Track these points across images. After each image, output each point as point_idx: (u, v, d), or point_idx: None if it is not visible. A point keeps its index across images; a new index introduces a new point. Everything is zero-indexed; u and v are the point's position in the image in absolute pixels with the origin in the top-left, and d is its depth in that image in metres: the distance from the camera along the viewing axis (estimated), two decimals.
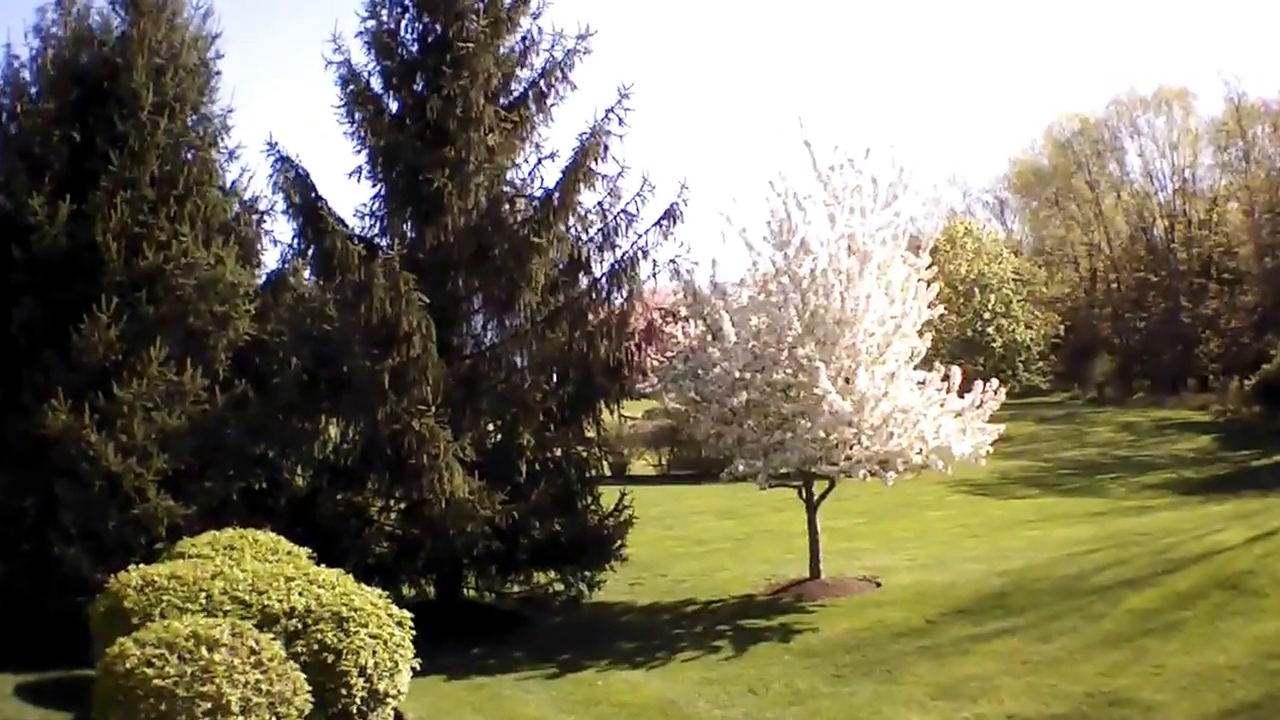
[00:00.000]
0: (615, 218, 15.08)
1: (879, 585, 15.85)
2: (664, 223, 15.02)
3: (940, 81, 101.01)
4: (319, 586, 9.31)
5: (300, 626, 8.90)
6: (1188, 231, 56.75)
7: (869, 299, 14.57)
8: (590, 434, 15.22)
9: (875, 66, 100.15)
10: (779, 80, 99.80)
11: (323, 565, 10.75)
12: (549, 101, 15.57)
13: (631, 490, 16.32)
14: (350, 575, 10.35)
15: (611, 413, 15.41)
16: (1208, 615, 12.77)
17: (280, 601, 9.06)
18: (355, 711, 8.73)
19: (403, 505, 14.28)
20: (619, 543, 15.19)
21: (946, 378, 15.22)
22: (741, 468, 14.76)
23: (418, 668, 9.65)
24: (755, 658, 12.69)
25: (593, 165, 14.94)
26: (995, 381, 15.50)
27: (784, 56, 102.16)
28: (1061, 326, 53.94)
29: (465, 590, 15.29)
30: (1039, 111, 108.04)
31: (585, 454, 15.12)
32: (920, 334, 15.56)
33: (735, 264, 15.79)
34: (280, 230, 15.16)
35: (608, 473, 15.47)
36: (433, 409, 13.09)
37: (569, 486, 14.74)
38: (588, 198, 15.12)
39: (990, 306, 48.16)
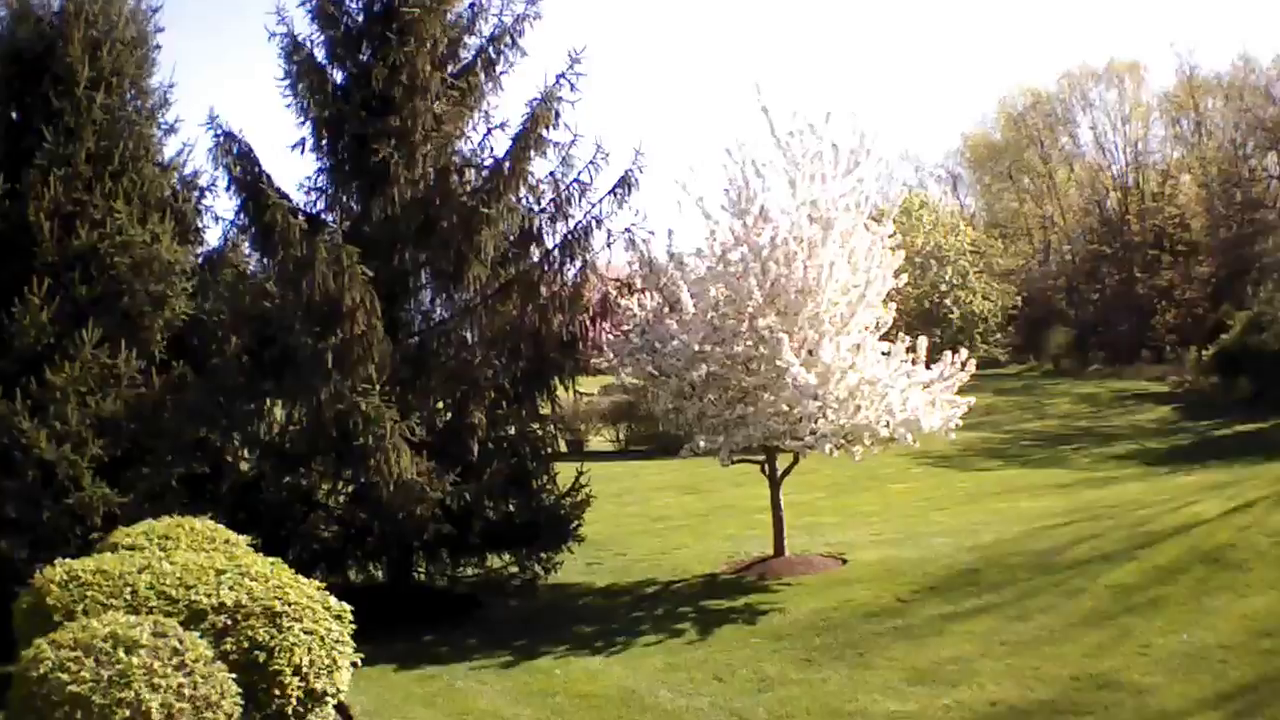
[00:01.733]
0: (568, 187, 14.40)
1: (844, 562, 15.40)
2: (619, 191, 14.35)
3: (892, 56, 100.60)
4: (251, 579, 8.55)
5: (230, 623, 8.16)
6: (1141, 204, 56.82)
7: (832, 267, 14.00)
8: (545, 411, 14.55)
9: (826, 42, 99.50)
10: (733, 54, 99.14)
11: (263, 554, 10.03)
12: (499, 69, 14.86)
13: (589, 467, 15.71)
14: (288, 563, 9.59)
15: (566, 389, 14.74)
16: (1191, 591, 12.37)
17: (209, 596, 8.32)
18: (290, 713, 8.02)
19: (350, 489, 13.56)
20: (576, 523, 14.57)
21: (912, 349, 14.73)
22: (702, 443, 14.18)
23: (359, 663, 8.95)
24: (720, 641, 12.14)
25: (544, 133, 14.25)
26: (964, 352, 15.02)
27: (737, 30, 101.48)
28: (1019, 298, 53.84)
29: (417, 574, 14.63)
30: (991, 86, 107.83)
31: (540, 432, 14.46)
32: (885, 303, 15.03)
33: (693, 234, 15.25)
34: (222, 207, 14.49)
35: (564, 450, 14.75)
36: (377, 387, 12.37)
37: (523, 466, 14.08)
38: (539, 167, 14.48)
39: (947, 279, 47.86)
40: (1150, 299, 53.67)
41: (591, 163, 14.39)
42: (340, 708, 10.11)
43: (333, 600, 8.73)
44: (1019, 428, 36.14)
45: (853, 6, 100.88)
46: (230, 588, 8.40)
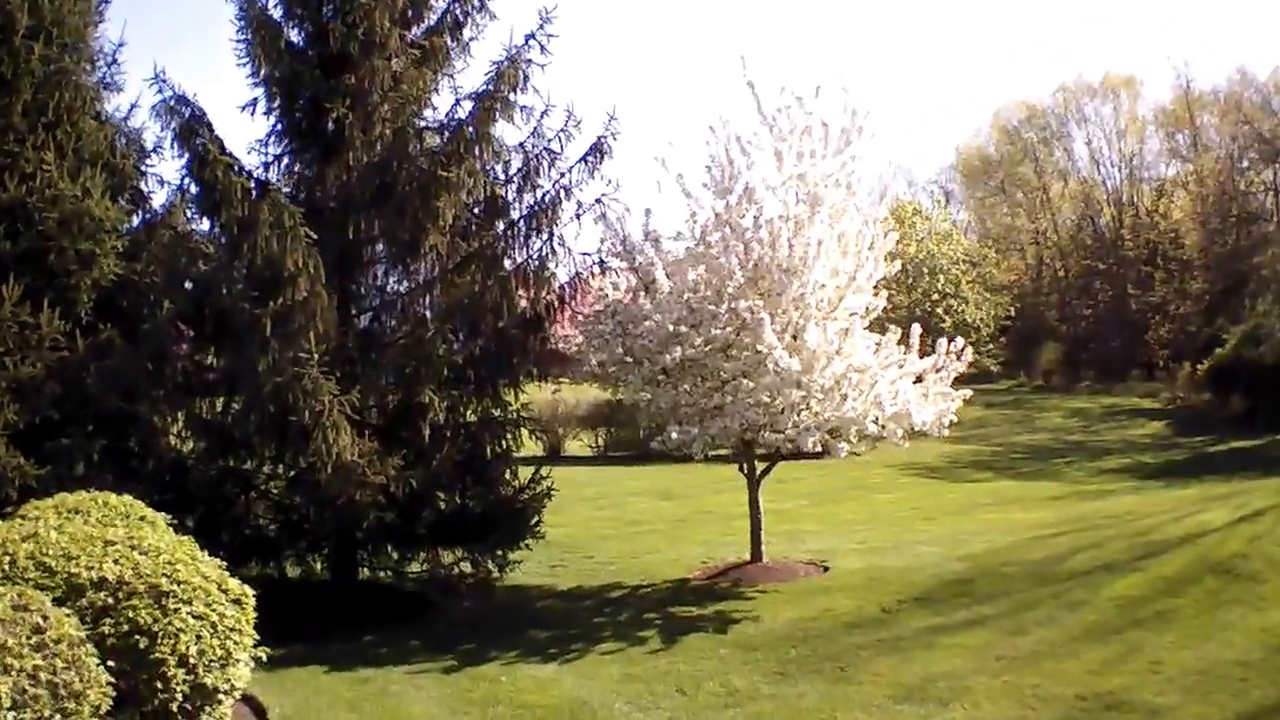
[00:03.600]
0: (536, 156, 13.28)
1: (826, 570, 14.30)
2: (590, 159, 13.25)
3: (885, 69, 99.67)
4: (142, 553, 7.38)
5: (111, 601, 6.98)
6: (1135, 218, 56.02)
7: (820, 245, 12.92)
8: (506, 396, 13.37)
9: (820, 55, 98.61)
10: (718, 56, 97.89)
11: (193, 541, 8.85)
12: (466, 34, 13.75)
13: (563, 471, 14.72)
14: (220, 552, 8.44)
15: (529, 374, 13.58)
16: (1202, 604, 11.31)
17: (91, 569, 7.15)
18: (176, 710, 6.84)
19: (290, 473, 12.37)
20: (535, 519, 13.38)
21: (905, 339, 13.68)
22: (675, 435, 13.03)
23: (264, 658, 7.77)
24: (686, 651, 10.99)
25: (510, 96, 13.12)
26: (960, 340, 13.97)
27: (723, 33, 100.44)
28: (1012, 308, 52.91)
29: (361, 570, 13.49)
30: (986, 100, 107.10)
31: (500, 417, 13.28)
32: (875, 291, 13.97)
33: (672, 219, 14.11)
34: (170, 172, 13.36)
35: (541, 453, 13.63)
36: (316, 356, 11.18)
37: (479, 454, 12.91)
38: (507, 135, 13.37)
39: (939, 287, 46.80)
40: (1142, 316, 52.88)
41: (562, 130, 13.30)
42: (256, 709, 9.00)
43: (232, 581, 7.56)
44: (1009, 440, 35.21)
45: (846, 19, 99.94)
46: (116, 561, 7.22)
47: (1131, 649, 10.21)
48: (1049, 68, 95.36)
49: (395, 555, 13.34)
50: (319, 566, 13.24)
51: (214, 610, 7.16)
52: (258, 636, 7.60)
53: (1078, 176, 60.20)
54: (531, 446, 14.26)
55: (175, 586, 7.10)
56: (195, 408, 12.77)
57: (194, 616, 7.04)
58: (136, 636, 6.83)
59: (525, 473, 13.86)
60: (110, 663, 6.51)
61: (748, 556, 14.71)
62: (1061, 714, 8.77)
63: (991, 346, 51.29)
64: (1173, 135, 55.81)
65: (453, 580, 13.44)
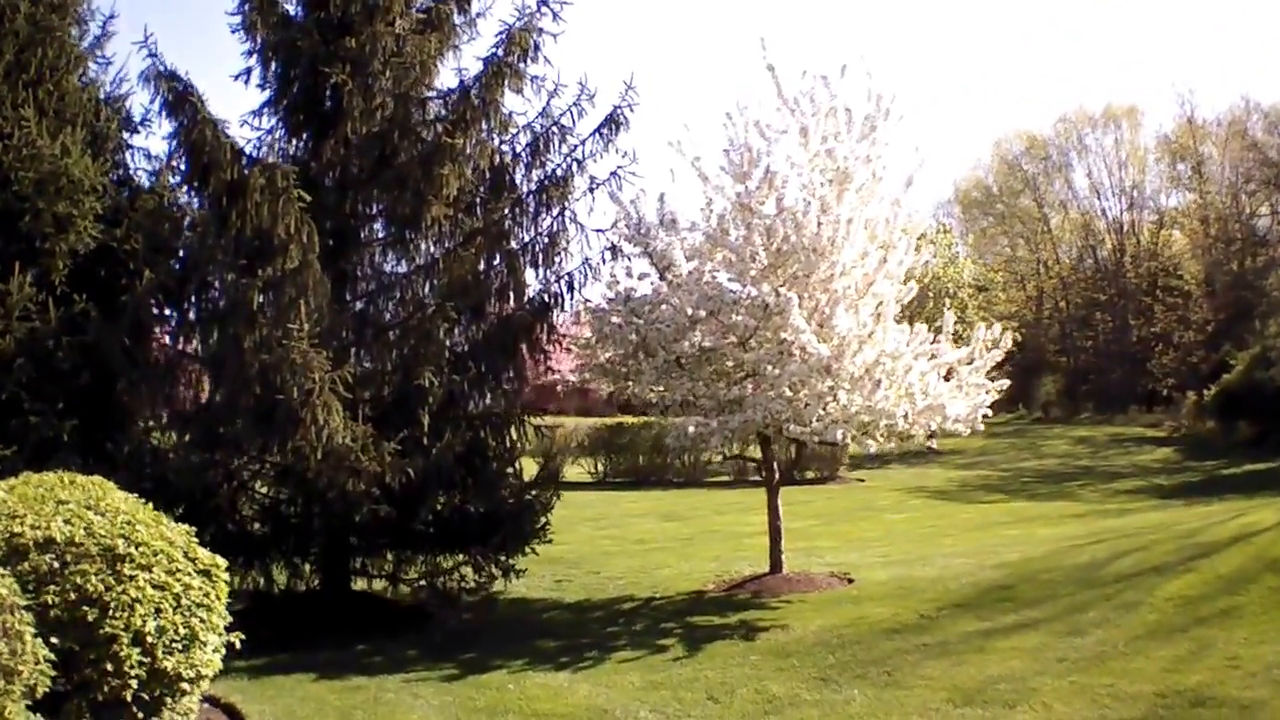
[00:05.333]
0: (547, 130, 12.37)
1: (851, 581, 13.34)
2: (605, 131, 12.31)
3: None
4: (98, 513, 6.36)
5: (58, 565, 5.97)
6: (1136, 249, 55.43)
7: (849, 225, 12.03)
8: (510, 386, 12.38)
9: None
10: (721, 75, 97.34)
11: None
12: (473, 5, 12.84)
13: (565, 494, 13.59)
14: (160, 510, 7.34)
15: (536, 360, 12.60)
16: (1267, 600, 10.34)
17: (37, 529, 6.14)
18: (130, 700, 5.78)
19: (278, 462, 11.26)
20: (542, 519, 12.34)
21: (938, 330, 12.81)
22: (692, 429, 12.05)
23: (238, 644, 6.74)
24: (712, 659, 9.99)
25: (521, 64, 12.21)
26: (998, 327, 13.08)
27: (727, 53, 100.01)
28: (1018, 333, 52.08)
29: (355, 580, 12.44)
30: (983, 135, 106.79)
31: (503, 410, 12.28)
32: (905, 279, 13.09)
33: (686, 208, 13.09)
34: (156, 147, 12.45)
35: (531, 435, 12.54)
36: (306, 327, 10.19)
37: (481, 445, 11.88)
38: (517, 108, 12.45)
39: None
40: (1144, 346, 52.15)
41: (575, 105, 12.36)
42: (233, 715, 7.95)
43: (201, 550, 6.53)
44: (1016, 466, 34.33)
45: (841, 51, 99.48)
46: (67, 521, 6.18)
47: (1203, 646, 9.29)
48: (1049, 99, 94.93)
49: (390, 558, 12.27)
50: (308, 570, 12.16)
51: (177, 580, 6.12)
52: (230, 618, 6.56)
53: (1078, 207, 59.65)
54: (530, 467, 13.27)
55: (132, 549, 6.07)
56: (178, 400, 11.78)
57: (154, 586, 6.00)
58: (84, 607, 5.80)
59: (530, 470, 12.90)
60: (54, 639, 5.48)
61: (765, 569, 13.74)
62: (1143, 712, 7.82)
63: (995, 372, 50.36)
64: (1175, 164, 55.17)
65: (452, 590, 12.37)
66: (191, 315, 11.58)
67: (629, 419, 33.82)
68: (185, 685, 6.10)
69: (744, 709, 8.43)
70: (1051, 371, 56.25)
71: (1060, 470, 32.64)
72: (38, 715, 5.32)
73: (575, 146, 12.28)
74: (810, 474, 29.67)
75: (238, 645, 6.76)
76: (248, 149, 11.96)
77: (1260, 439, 32.96)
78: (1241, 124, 51.24)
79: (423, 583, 12.28)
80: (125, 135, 12.44)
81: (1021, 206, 60.40)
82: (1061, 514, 21.42)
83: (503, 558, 12.10)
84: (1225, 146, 52.63)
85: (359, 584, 12.62)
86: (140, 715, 5.95)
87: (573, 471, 31.70)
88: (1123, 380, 52.13)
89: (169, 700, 6.01)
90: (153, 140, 12.31)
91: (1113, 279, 55.68)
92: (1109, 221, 57.55)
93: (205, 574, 6.39)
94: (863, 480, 30.59)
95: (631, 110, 12.31)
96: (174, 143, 11.58)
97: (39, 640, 5.34)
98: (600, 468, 31.68)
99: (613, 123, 12.28)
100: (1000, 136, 65.79)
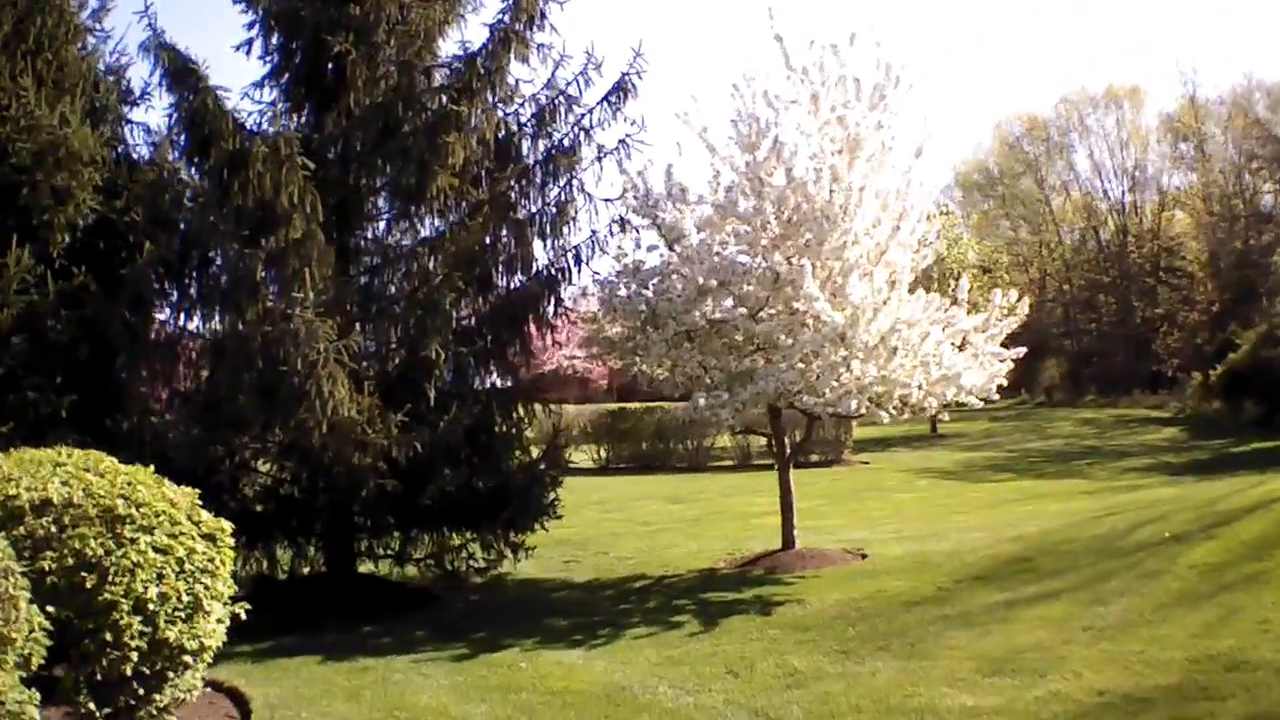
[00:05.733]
0: (553, 100, 12.12)
1: (864, 556, 13.11)
2: (613, 98, 12.08)
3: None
4: (97, 475, 6.08)
5: (55, 529, 5.69)
6: (1139, 230, 55.12)
7: (861, 192, 11.77)
8: (518, 360, 12.13)
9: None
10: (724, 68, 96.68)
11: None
12: None
13: (568, 480, 13.39)
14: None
15: (543, 333, 12.34)
16: None
17: (32, 491, 5.84)
18: (130, 673, 5.51)
19: (281, 441, 11.00)
20: (552, 495, 12.10)
21: (953, 294, 12.59)
22: (703, 402, 11.79)
23: (243, 615, 6.47)
24: (729, 634, 9.76)
25: (527, 32, 11.95)
26: (1014, 293, 12.84)
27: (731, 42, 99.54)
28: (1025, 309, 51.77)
29: (360, 562, 12.20)
30: (983, 119, 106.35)
31: (511, 386, 12.03)
32: (917, 249, 12.84)
33: (694, 182, 12.81)
34: (156, 123, 12.19)
35: (538, 412, 12.30)
36: (311, 296, 9.91)
37: (488, 419, 11.63)
38: (521, 73, 12.20)
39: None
40: (1148, 328, 51.87)
41: (581, 74, 12.14)
42: (237, 700, 7.69)
43: (205, 513, 6.25)
44: (1022, 447, 34.05)
45: (845, 27, 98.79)
46: (64, 483, 5.90)
47: (1231, 612, 9.04)
48: (1050, 81, 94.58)
49: (397, 536, 12.02)
50: (312, 551, 11.92)
51: (181, 543, 5.84)
52: (235, 588, 6.29)
53: (1080, 188, 59.31)
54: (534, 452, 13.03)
55: (133, 510, 5.80)
56: (178, 377, 11.53)
57: (155, 550, 5.73)
58: (83, 573, 5.51)
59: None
60: (50, 608, 5.21)
61: (775, 547, 13.52)
62: (1178, 677, 7.58)
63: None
64: (1177, 144, 54.82)
65: (460, 570, 12.13)
66: (193, 291, 11.32)
67: (632, 405, 33.65)
68: (188, 658, 5.82)
69: (765, 682, 8.19)
70: (1055, 355, 55.96)
71: (1067, 450, 32.38)
72: (32, 691, 5.05)
73: (583, 115, 12.08)
74: (815, 457, 29.39)
75: (243, 616, 6.48)
76: (248, 123, 11.72)
77: (1268, 418, 32.65)
78: (1245, 102, 50.92)
79: (430, 561, 12.04)
80: (125, 109, 12.17)
81: (1022, 188, 60.13)
82: (1071, 491, 21.16)
83: (511, 534, 11.88)
84: (1228, 125, 52.28)
85: (365, 567, 12.39)
86: (141, 692, 5.68)
87: (575, 458, 31.48)
88: (1127, 362, 51.89)
89: (171, 674, 5.74)
90: (152, 115, 12.08)
91: (1116, 260, 55.43)
92: (1111, 203, 57.24)
93: (210, 539, 6.13)
94: (867, 463, 30.32)
95: (640, 78, 12.11)
96: (174, 115, 11.37)
97: (34, 607, 5.07)
98: (603, 454, 31.44)
99: (621, 90, 12.05)
100: (1000, 118, 65.54)
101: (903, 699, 7.53)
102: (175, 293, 11.33)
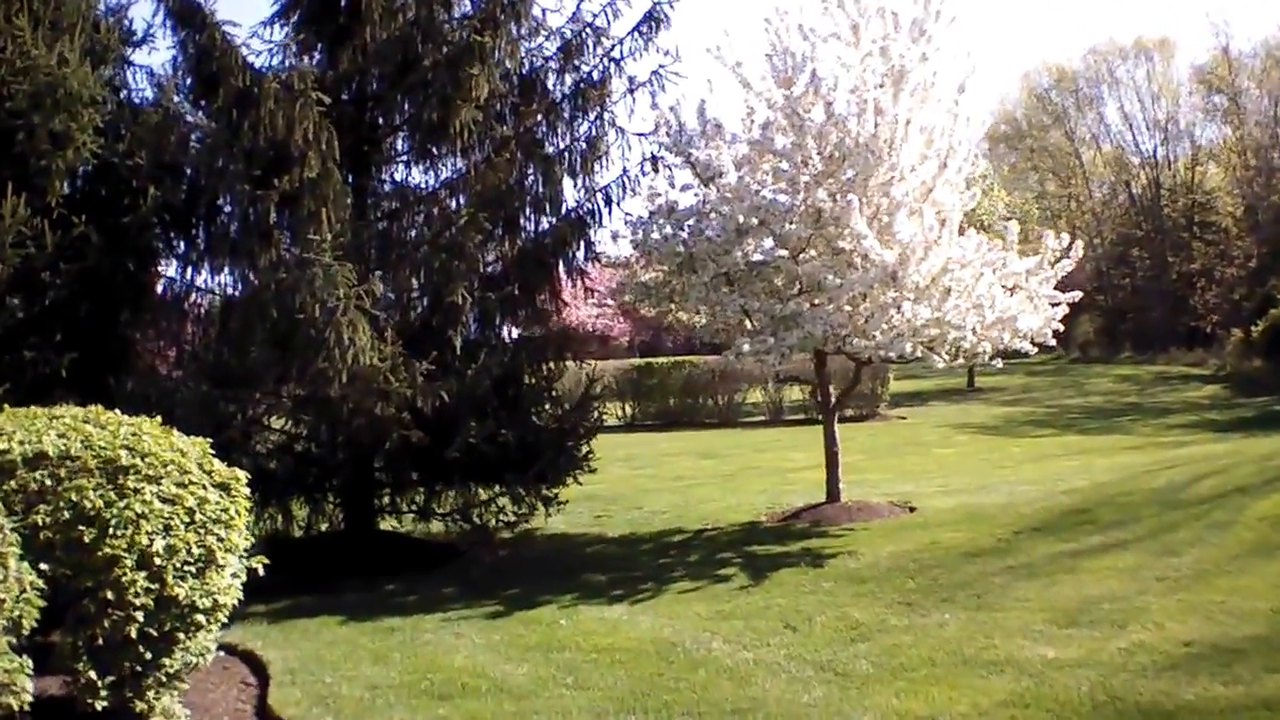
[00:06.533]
0: (580, 32, 11.49)
1: (913, 510, 12.54)
2: (644, 29, 11.42)
3: None
4: (98, 426, 5.54)
5: (50, 483, 5.13)
6: (1173, 183, 53.98)
7: (908, 125, 11.12)
8: (547, 308, 11.57)
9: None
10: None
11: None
12: None
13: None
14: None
15: (572, 279, 11.76)
16: None
17: (26, 444, 5.30)
18: (137, 637, 4.96)
19: (297, 394, 10.44)
20: (586, 447, 11.55)
21: (1001, 235, 11.98)
22: (747, 348, 11.19)
23: (260, 570, 5.91)
24: (781, 587, 9.21)
25: None
26: (1066, 237, 12.21)
27: None
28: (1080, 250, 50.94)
29: (382, 519, 11.68)
30: (1009, 73, 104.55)
31: (540, 335, 11.47)
32: (967, 187, 12.21)
33: (728, 120, 12.17)
34: (159, 65, 11.64)
35: (569, 364, 11.77)
36: (328, 238, 9.33)
37: (517, 368, 11.07)
38: (547, 2, 11.59)
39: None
40: (1184, 283, 50.85)
41: (609, 4, 11.50)
42: (254, 665, 7.18)
43: (218, 463, 5.68)
44: (1061, 403, 33.21)
45: None
46: (61, 435, 5.35)
47: None
48: (1076, 32, 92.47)
49: (420, 491, 11.49)
50: (330, 506, 11.40)
51: (191, 492, 5.25)
52: (251, 540, 5.72)
53: (1111, 141, 58.15)
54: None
55: (137, 460, 5.22)
56: (185, 335, 11.01)
57: (162, 499, 5.14)
58: (80, 527, 4.96)
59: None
60: (44, 565, 4.67)
61: (817, 500, 12.97)
62: (1265, 628, 7.10)
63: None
64: (1210, 96, 53.51)
65: (488, 524, 11.61)
66: (200, 241, 10.75)
67: (659, 360, 33.01)
68: (200, 617, 5.24)
69: (827, 636, 7.65)
70: (1088, 310, 54.98)
71: (1107, 407, 31.58)
72: (24, 658, 4.53)
73: (612, 46, 11.42)
74: (850, 411, 28.72)
75: (260, 571, 5.92)
76: (258, 63, 11.09)
77: None
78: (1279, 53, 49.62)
79: (456, 516, 11.49)
80: (127, 50, 11.52)
81: (1051, 141, 58.92)
82: (1115, 446, 20.43)
83: (543, 488, 11.32)
84: (1263, 78, 50.97)
85: (386, 523, 11.88)
86: (148, 656, 5.14)
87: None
88: (1163, 318, 50.86)
89: (181, 636, 5.17)
90: (155, 57, 11.46)
91: (1148, 214, 54.31)
92: (1144, 156, 56.05)
93: (223, 488, 5.56)
94: (904, 418, 29.63)
95: (671, 7, 11.42)
96: (179, 55, 10.75)
97: (25, 564, 4.53)
98: (629, 411, 30.74)
99: (653, 20, 11.42)
100: (1028, 69, 64.17)
101: (977, 651, 7.00)
102: (182, 244, 10.75)
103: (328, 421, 10.08)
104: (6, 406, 6.12)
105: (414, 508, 11.64)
